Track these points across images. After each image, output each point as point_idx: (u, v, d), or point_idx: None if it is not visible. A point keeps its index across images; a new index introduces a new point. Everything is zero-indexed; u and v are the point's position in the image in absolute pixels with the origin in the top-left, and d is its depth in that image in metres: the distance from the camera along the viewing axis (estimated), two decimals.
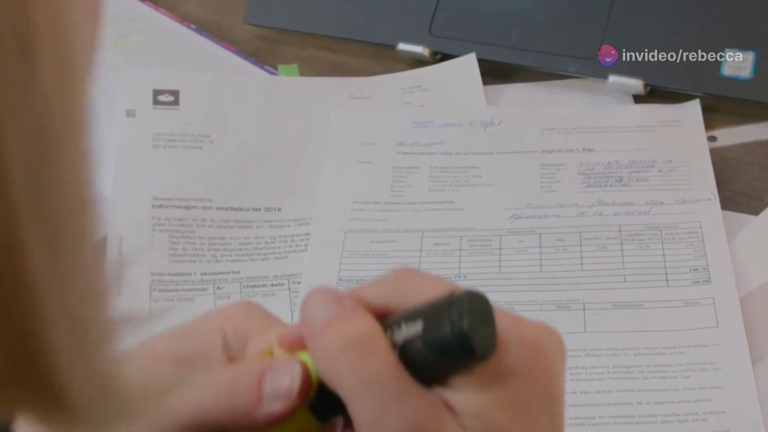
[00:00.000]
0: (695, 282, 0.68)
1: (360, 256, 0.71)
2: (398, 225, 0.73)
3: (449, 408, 0.36)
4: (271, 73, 0.83)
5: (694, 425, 0.61)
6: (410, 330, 0.36)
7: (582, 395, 0.63)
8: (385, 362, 0.36)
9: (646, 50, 0.77)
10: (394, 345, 0.36)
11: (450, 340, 0.35)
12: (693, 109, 0.77)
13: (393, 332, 0.37)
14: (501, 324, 0.37)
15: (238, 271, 0.71)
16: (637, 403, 0.62)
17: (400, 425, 0.36)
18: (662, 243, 0.70)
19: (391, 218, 0.73)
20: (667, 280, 0.69)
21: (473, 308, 0.35)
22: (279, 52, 0.85)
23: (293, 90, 0.81)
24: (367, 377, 0.36)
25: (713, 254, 0.69)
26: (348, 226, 0.73)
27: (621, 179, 0.74)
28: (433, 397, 0.36)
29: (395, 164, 0.76)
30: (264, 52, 0.85)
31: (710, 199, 0.72)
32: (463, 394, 0.37)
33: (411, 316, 0.37)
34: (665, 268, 0.69)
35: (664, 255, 0.70)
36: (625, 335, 0.66)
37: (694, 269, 0.69)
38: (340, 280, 0.70)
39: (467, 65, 0.81)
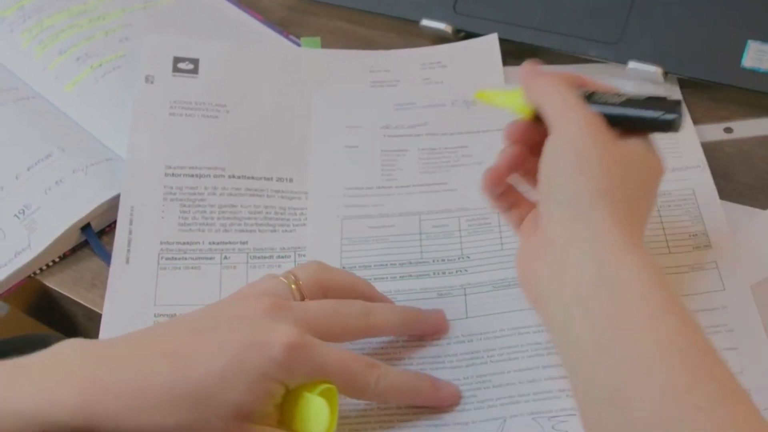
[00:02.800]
0: (696, 247, 0.68)
1: (360, 242, 0.70)
2: (394, 209, 0.72)
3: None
4: (295, 43, 0.84)
5: None
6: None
7: None
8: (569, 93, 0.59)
9: (667, 37, 0.77)
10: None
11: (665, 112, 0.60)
12: (673, 83, 0.78)
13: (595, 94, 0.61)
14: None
15: (246, 242, 0.71)
16: None
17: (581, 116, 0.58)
18: (659, 211, 0.70)
19: (386, 203, 0.73)
20: (668, 247, 0.68)
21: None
22: (305, 22, 0.86)
23: (313, 62, 0.81)
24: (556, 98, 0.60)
25: (710, 220, 0.69)
26: (344, 213, 0.72)
27: None
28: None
29: (383, 147, 0.76)
30: (290, 22, 0.86)
31: (699, 167, 0.73)
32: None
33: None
34: (665, 235, 0.69)
35: (662, 223, 0.69)
36: None
37: (693, 235, 0.69)
38: (343, 267, 0.69)
39: (489, 45, 0.82)
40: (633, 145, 0.59)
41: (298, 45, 0.85)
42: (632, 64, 0.78)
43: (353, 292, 0.63)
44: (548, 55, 0.81)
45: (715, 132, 0.77)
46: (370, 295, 0.64)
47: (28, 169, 0.74)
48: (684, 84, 0.78)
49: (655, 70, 0.77)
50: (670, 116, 0.59)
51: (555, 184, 0.57)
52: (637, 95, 0.60)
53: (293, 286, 0.61)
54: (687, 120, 0.76)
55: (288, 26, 0.87)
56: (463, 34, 0.83)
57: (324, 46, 0.85)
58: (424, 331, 0.64)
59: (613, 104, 0.60)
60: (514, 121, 0.64)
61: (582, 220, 0.56)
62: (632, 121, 0.59)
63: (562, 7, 0.81)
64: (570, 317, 0.54)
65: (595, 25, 0.79)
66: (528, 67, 0.63)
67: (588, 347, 0.52)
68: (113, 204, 0.73)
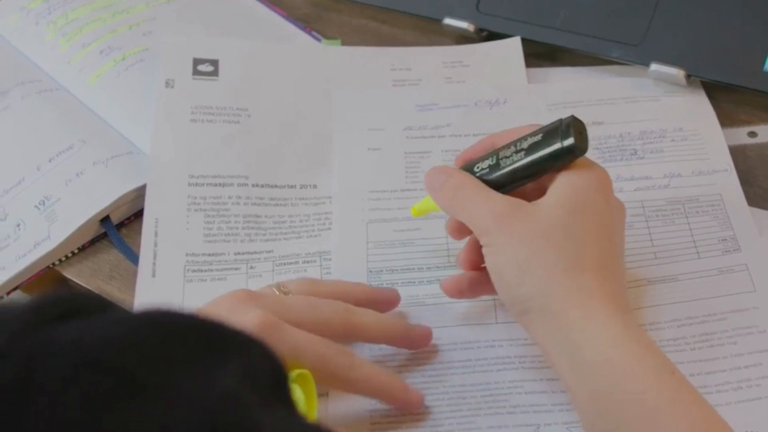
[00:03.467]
0: (726, 251, 0.68)
1: (386, 246, 0.70)
2: None
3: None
4: (317, 39, 0.83)
5: (749, 391, 0.61)
6: (523, 143, 0.60)
7: None
8: (472, 188, 0.60)
9: (691, 39, 0.77)
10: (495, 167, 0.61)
11: (561, 141, 0.57)
12: (696, 85, 0.78)
13: (499, 158, 0.60)
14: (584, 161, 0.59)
15: (272, 251, 0.70)
16: (689, 375, 0.61)
17: (488, 212, 0.58)
18: (687, 217, 0.70)
19: (411, 205, 0.72)
20: (697, 252, 0.68)
21: (576, 123, 0.58)
22: (328, 18, 0.86)
23: (333, 59, 0.81)
24: (460, 201, 0.60)
25: (738, 224, 0.69)
26: (369, 217, 0.72)
27: (635, 152, 0.74)
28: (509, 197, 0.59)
29: (406, 150, 0.76)
30: (313, 18, 0.86)
31: (726, 170, 0.73)
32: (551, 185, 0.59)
33: (529, 135, 0.60)
34: (694, 241, 0.69)
35: (690, 229, 0.69)
36: (665, 308, 0.65)
37: (722, 240, 0.69)
38: (370, 272, 0.69)
39: (511, 47, 0.81)
40: (552, 200, 0.58)
41: (320, 41, 0.85)
42: (654, 66, 0.77)
43: (347, 298, 0.63)
44: (570, 56, 0.81)
45: (738, 136, 0.77)
46: (367, 300, 0.64)
47: (50, 161, 0.74)
48: (708, 87, 0.78)
49: (677, 72, 0.77)
50: (567, 143, 0.57)
51: (505, 300, 0.59)
52: (535, 134, 0.59)
53: (276, 290, 0.62)
54: (713, 122, 0.76)
55: (311, 22, 0.86)
56: (485, 33, 0.83)
57: (345, 44, 0.84)
58: (409, 345, 0.64)
59: (519, 159, 0.59)
60: (460, 252, 0.64)
61: (549, 321, 0.56)
62: (542, 166, 0.59)
63: (585, 8, 0.80)
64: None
65: (617, 26, 0.79)
66: (430, 176, 0.63)
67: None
68: (133, 197, 0.73)
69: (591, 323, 0.55)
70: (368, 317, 0.62)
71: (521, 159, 0.59)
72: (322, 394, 0.62)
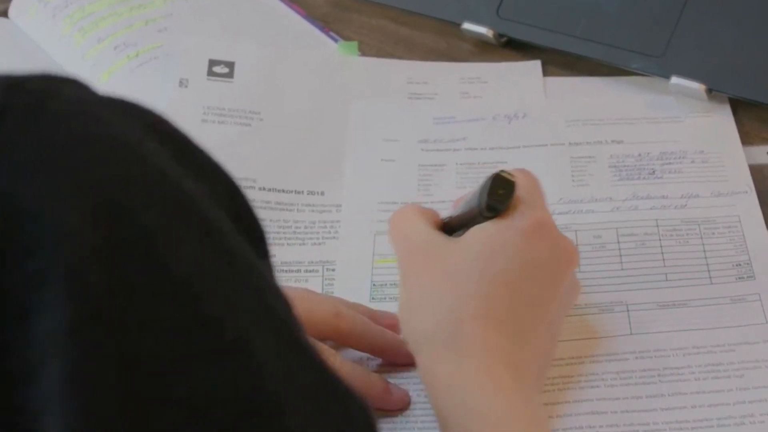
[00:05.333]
0: (739, 278, 0.66)
1: (392, 259, 0.68)
2: None
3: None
4: (335, 40, 0.82)
5: (752, 428, 0.59)
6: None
7: (633, 400, 0.60)
8: (409, 219, 0.59)
9: (714, 53, 0.75)
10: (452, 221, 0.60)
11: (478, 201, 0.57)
12: (721, 101, 0.76)
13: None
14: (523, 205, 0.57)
15: (274, 256, 0.69)
16: (691, 407, 0.60)
17: (408, 243, 0.58)
18: (702, 238, 0.68)
19: None
20: (710, 277, 0.67)
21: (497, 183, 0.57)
22: (347, 19, 0.85)
23: (350, 70, 0.80)
24: (394, 230, 0.60)
25: (755, 249, 0.68)
26: (377, 228, 0.70)
27: (654, 171, 0.72)
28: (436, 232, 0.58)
29: (420, 162, 0.74)
30: (332, 18, 0.85)
31: (746, 192, 0.71)
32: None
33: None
34: (707, 264, 0.67)
35: (704, 251, 0.67)
36: (672, 335, 0.63)
37: (737, 265, 0.67)
38: (374, 285, 0.68)
39: (531, 70, 0.80)
40: (464, 241, 0.56)
41: (339, 41, 0.83)
42: (675, 80, 0.75)
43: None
44: (589, 65, 0.79)
45: (758, 155, 0.74)
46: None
47: None
48: (733, 103, 0.76)
49: (697, 86, 0.75)
50: (482, 203, 0.56)
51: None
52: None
53: None
54: (735, 142, 0.74)
55: (330, 22, 0.85)
56: (505, 39, 0.81)
57: (364, 45, 0.83)
58: (395, 359, 0.63)
59: (458, 211, 0.60)
60: None
61: (423, 369, 0.55)
62: (469, 216, 0.58)
63: (607, 16, 0.78)
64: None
65: (639, 36, 0.77)
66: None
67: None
68: None
69: (460, 384, 0.52)
70: (356, 325, 0.61)
71: (461, 208, 0.59)
72: None
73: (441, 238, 0.57)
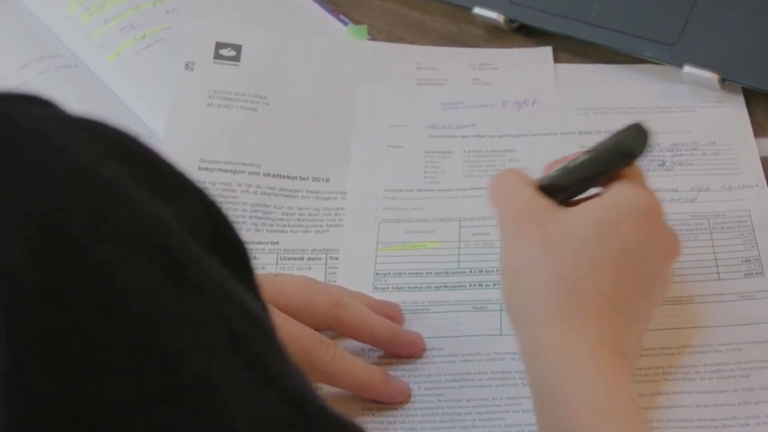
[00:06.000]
0: (748, 274, 0.65)
1: (397, 248, 0.68)
2: (434, 213, 0.70)
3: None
4: (344, 24, 0.81)
5: (757, 429, 0.58)
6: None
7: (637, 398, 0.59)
8: (512, 183, 0.58)
9: (728, 42, 0.74)
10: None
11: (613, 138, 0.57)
12: (734, 91, 0.74)
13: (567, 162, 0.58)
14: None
15: (277, 242, 0.69)
16: (696, 406, 0.59)
17: (512, 207, 0.56)
18: (711, 233, 0.67)
19: (427, 206, 0.70)
20: (718, 273, 0.65)
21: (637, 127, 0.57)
22: (357, 2, 0.84)
23: (359, 54, 0.79)
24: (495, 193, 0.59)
25: (765, 244, 0.66)
26: (382, 216, 0.70)
27: (664, 163, 0.71)
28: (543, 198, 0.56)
29: (427, 148, 0.73)
30: (342, 1, 0.84)
31: (758, 186, 0.70)
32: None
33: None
34: (716, 260, 0.66)
35: (713, 246, 0.66)
36: (678, 332, 0.63)
37: (746, 260, 0.66)
38: (377, 273, 0.67)
39: (542, 56, 0.78)
40: (579, 212, 0.55)
41: (349, 24, 0.82)
42: (687, 69, 0.74)
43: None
44: (602, 53, 0.78)
45: None
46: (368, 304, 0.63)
47: None
48: (746, 93, 0.75)
49: (710, 76, 0.73)
50: (617, 139, 0.56)
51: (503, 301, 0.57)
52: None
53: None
54: (747, 133, 0.72)
55: (340, 5, 0.84)
56: (516, 24, 0.80)
57: (374, 29, 0.82)
58: (396, 351, 0.62)
59: (577, 160, 0.58)
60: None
61: (526, 335, 0.55)
62: (594, 165, 0.57)
63: (620, 3, 0.77)
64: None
65: (652, 24, 0.76)
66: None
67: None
68: None
69: (561, 354, 0.52)
70: (356, 315, 0.61)
71: (581, 158, 0.58)
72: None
73: (549, 203, 0.56)
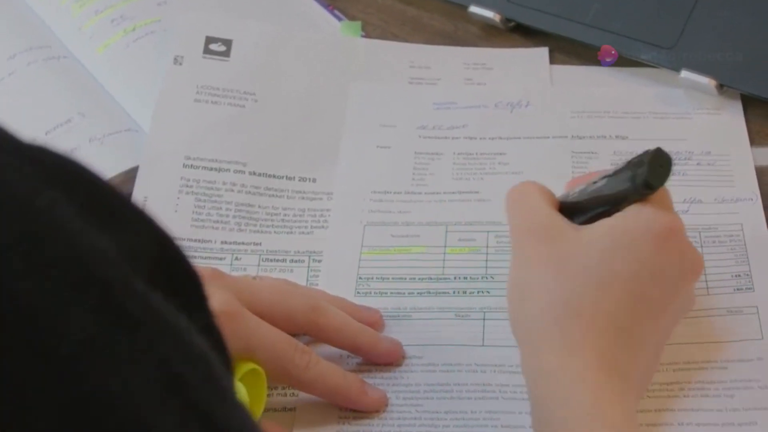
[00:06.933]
0: (738, 289, 0.64)
1: (381, 251, 0.67)
2: (421, 217, 0.69)
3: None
4: (339, 19, 0.80)
5: None
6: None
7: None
8: (529, 197, 0.57)
9: (727, 47, 0.72)
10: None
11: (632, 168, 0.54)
12: (732, 97, 0.73)
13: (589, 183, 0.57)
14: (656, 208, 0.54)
15: (260, 243, 0.68)
16: (678, 425, 0.58)
17: (526, 221, 0.56)
18: (702, 247, 0.66)
19: (413, 209, 0.69)
20: (707, 287, 0.64)
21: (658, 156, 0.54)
22: None
23: (351, 52, 0.77)
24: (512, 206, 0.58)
25: (756, 260, 0.65)
26: (368, 219, 0.69)
27: None
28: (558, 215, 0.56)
29: (417, 149, 0.72)
30: None
31: (752, 200, 0.68)
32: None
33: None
34: (705, 273, 0.64)
35: (704, 260, 0.64)
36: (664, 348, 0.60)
37: (736, 275, 0.64)
38: (360, 278, 0.66)
39: (538, 57, 0.77)
40: (593, 231, 0.54)
41: (343, 20, 0.81)
42: (685, 73, 0.72)
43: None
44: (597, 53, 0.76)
45: (766, 156, 0.71)
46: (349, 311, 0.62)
47: (46, 134, 0.72)
48: (745, 100, 0.73)
49: (708, 81, 0.72)
50: (637, 171, 0.54)
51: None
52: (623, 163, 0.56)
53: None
54: (744, 143, 0.71)
55: (337, 0, 0.82)
56: (513, 23, 0.78)
57: (369, 25, 0.80)
58: (375, 359, 0.61)
59: (596, 183, 0.56)
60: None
61: (529, 356, 0.54)
62: (612, 193, 0.55)
63: (619, 4, 0.75)
64: None
65: (650, 26, 0.74)
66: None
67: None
68: (125, 178, 0.70)
69: (560, 380, 0.51)
70: (334, 321, 0.60)
71: (599, 184, 0.56)
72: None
73: (564, 222, 0.55)
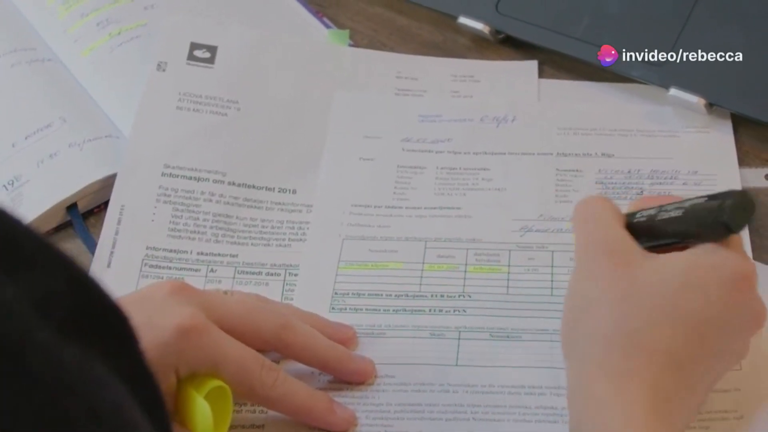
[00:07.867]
0: None
1: (358, 267, 0.66)
2: (400, 232, 0.68)
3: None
4: (327, 27, 0.79)
5: None
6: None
7: None
8: (601, 213, 0.56)
9: (717, 66, 0.71)
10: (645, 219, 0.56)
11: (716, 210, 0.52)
12: (722, 116, 0.72)
13: (660, 209, 0.55)
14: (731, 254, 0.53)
15: (236, 255, 0.67)
16: None
17: (595, 239, 0.54)
18: None
19: (393, 224, 0.68)
20: None
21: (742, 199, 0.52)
22: (344, 4, 0.82)
23: (338, 61, 0.76)
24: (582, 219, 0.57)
25: None
26: (346, 232, 0.68)
27: (642, 191, 0.69)
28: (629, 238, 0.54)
29: (399, 163, 0.71)
30: (328, 2, 0.81)
31: None
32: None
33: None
34: None
35: None
36: None
37: None
38: (335, 293, 0.65)
39: (526, 71, 0.76)
40: (662, 263, 0.53)
41: (332, 28, 0.80)
42: (674, 91, 0.71)
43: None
44: (588, 70, 0.75)
45: (754, 177, 0.70)
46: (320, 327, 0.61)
47: (26, 138, 0.72)
48: (735, 120, 0.72)
49: (697, 100, 0.70)
50: (719, 214, 0.52)
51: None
52: (703, 196, 0.54)
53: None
54: (732, 163, 0.70)
55: (326, 7, 0.81)
56: (503, 36, 0.77)
57: (358, 34, 0.79)
58: (344, 378, 0.60)
59: (671, 214, 0.54)
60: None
61: (576, 378, 0.53)
62: (686, 228, 0.54)
63: (609, 20, 0.74)
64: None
65: (641, 43, 0.73)
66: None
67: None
68: (103, 185, 0.70)
69: (602, 409, 0.50)
70: (303, 339, 0.59)
71: (673, 214, 0.54)
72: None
73: (633, 245, 0.54)
